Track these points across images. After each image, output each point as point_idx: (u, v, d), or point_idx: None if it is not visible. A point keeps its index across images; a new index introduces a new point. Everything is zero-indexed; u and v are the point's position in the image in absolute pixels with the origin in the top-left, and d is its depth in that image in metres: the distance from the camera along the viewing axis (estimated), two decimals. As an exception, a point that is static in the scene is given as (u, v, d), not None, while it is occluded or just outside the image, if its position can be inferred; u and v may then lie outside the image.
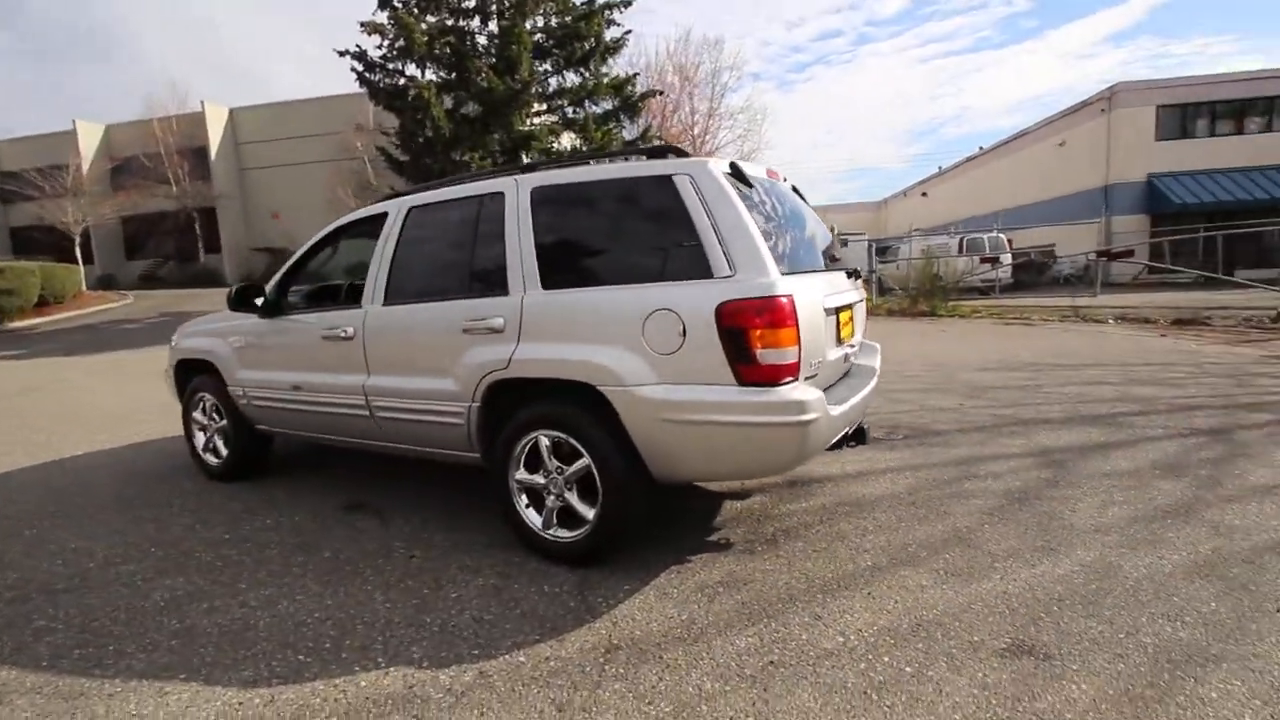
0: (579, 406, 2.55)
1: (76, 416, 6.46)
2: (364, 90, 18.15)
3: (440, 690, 1.94)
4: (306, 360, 3.41)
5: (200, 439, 4.17)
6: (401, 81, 17.68)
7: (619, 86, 18.50)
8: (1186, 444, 3.99)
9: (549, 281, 2.62)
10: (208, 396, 4.01)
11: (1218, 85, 21.09)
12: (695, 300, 2.29)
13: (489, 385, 2.70)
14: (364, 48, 17.41)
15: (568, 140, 18.63)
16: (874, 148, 67.40)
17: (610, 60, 18.85)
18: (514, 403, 2.72)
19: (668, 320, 2.32)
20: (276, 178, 32.13)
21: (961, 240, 18.93)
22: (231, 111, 32.41)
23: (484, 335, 2.72)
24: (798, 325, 2.24)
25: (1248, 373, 6.15)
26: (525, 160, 18.02)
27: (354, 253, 3.64)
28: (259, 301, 3.55)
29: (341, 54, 17.35)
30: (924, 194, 38.17)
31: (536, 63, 17.75)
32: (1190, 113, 21.22)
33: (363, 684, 1.98)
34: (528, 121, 18.26)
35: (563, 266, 2.63)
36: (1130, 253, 17.44)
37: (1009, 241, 19.46)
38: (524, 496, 2.78)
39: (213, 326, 4.01)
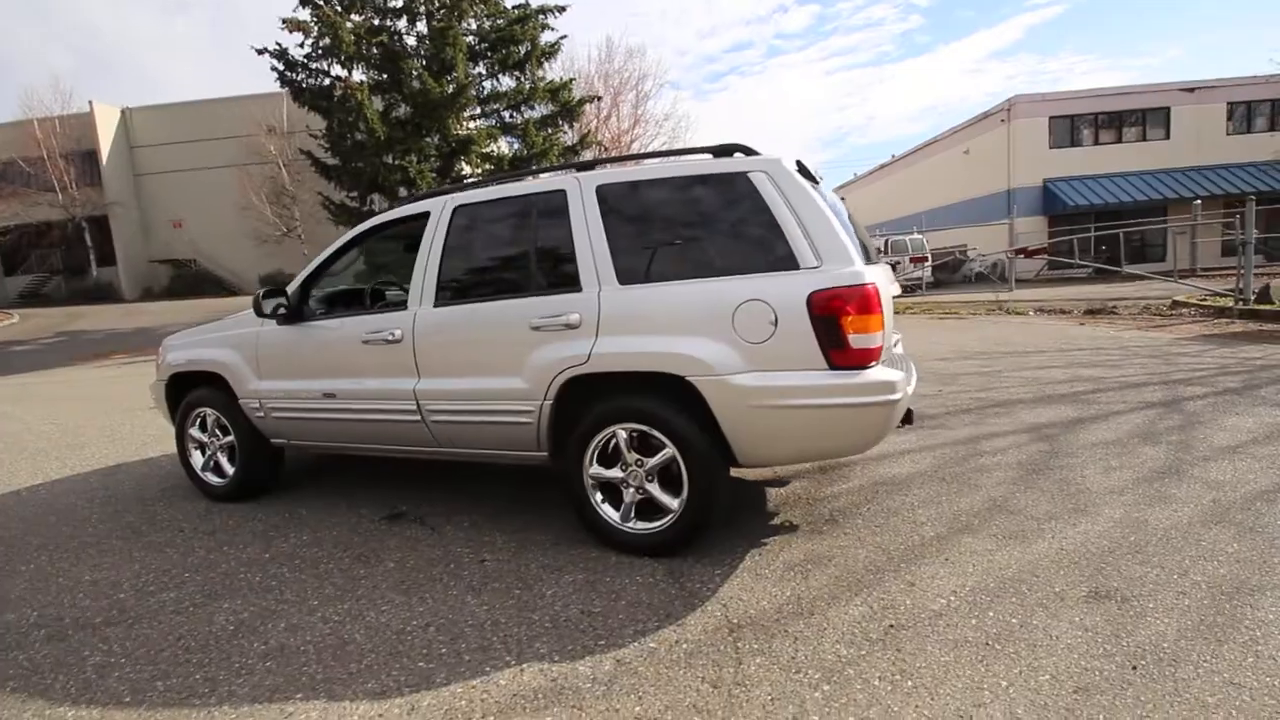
0: (662, 398, 2.60)
1: (12, 447, 5.81)
2: (284, 90, 17.23)
3: (586, 680, 1.95)
4: (341, 366, 3.27)
5: (198, 458, 3.89)
6: (326, 81, 16.93)
7: (556, 91, 18.46)
8: (1148, 415, 4.48)
9: (625, 277, 2.66)
10: (210, 411, 3.75)
11: (1097, 99, 23.47)
12: (787, 290, 2.40)
13: (565, 382, 2.71)
14: (284, 45, 16.55)
15: (506, 145, 18.41)
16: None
17: (545, 65, 18.80)
18: (588, 399, 2.73)
19: (759, 310, 2.42)
20: (177, 183, 29.81)
21: (886, 241, 20.09)
22: (124, 112, 29.86)
23: (557, 332, 2.72)
24: (882, 311, 2.40)
25: (1168, 353, 6.93)
26: (465, 164, 17.65)
27: (382, 254, 3.51)
28: (282, 308, 3.36)
29: (260, 52, 16.43)
30: (842, 199, 40.07)
31: (470, 65, 17.43)
32: (1076, 123, 23.52)
33: (502, 683, 1.96)
34: (464, 125, 17.91)
35: (638, 262, 2.68)
36: (1046, 250, 19.06)
37: (927, 242, 20.85)
38: (598, 492, 2.79)
39: (217, 335, 3.76)
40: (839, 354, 2.36)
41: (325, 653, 2.18)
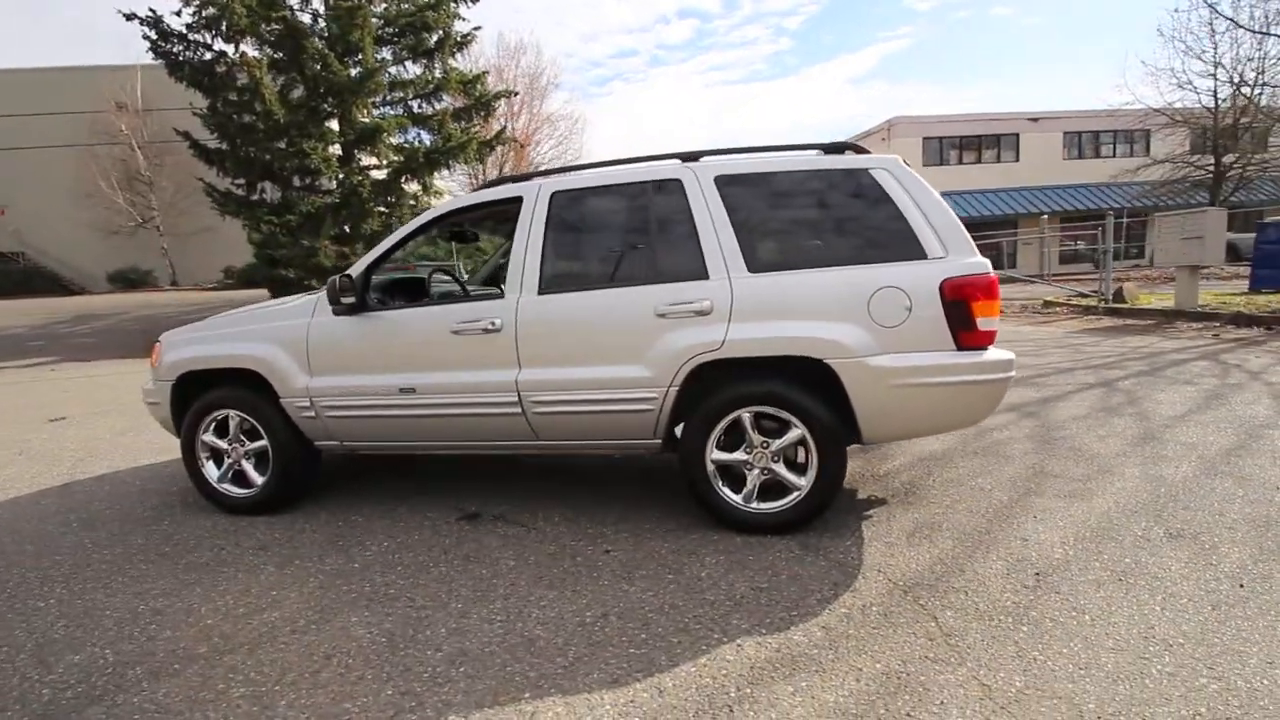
0: (788, 380, 2.72)
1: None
2: (159, 62, 15.33)
3: (809, 646, 2.03)
4: (423, 359, 3.06)
5: (212, 469, 3.45)
6: (209, 56, 15.24)
7: (468, 83, 17.87)
8: (1097, 394, 5.22)
9: (754, 265, 2.75)
10: (233, 414, 3.35)
11: (964, 123, 26.49)
12: (921, 278, 2.61)
13: (694, 368, 2.75)
14: (158, 12, 14.71)
15: (414, 137, 17.52)
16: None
17: (457, 56, 18.14)
18: (712, 385, 2.79)
19: (893, 296, 2.61)
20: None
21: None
22: (-80, 75, 25.02)
23: (686, 319, 2.75)
24: (1000, 297, 2.68)
25: (1071, 344, 8.04)
26: (372, 155, 16.59)
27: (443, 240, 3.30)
28: (348, 297, 3.07)
29: (129, 17, 14.50)
30: (734, 204, 41.93)
31: (378, 49, 16.46)
32: (945, 144, 26.39)
33: (730, 658, 1.99)
34: (369, 113, 16.86)
35: (765, 251, 2.78)
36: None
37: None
38: (717, 475, 2.86)
39: (248, 328, 3.35)
40: (967, 336, 2.61)
41: (518, 650, 2.09)
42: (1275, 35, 13.31)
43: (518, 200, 3.08)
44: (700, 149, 3.04)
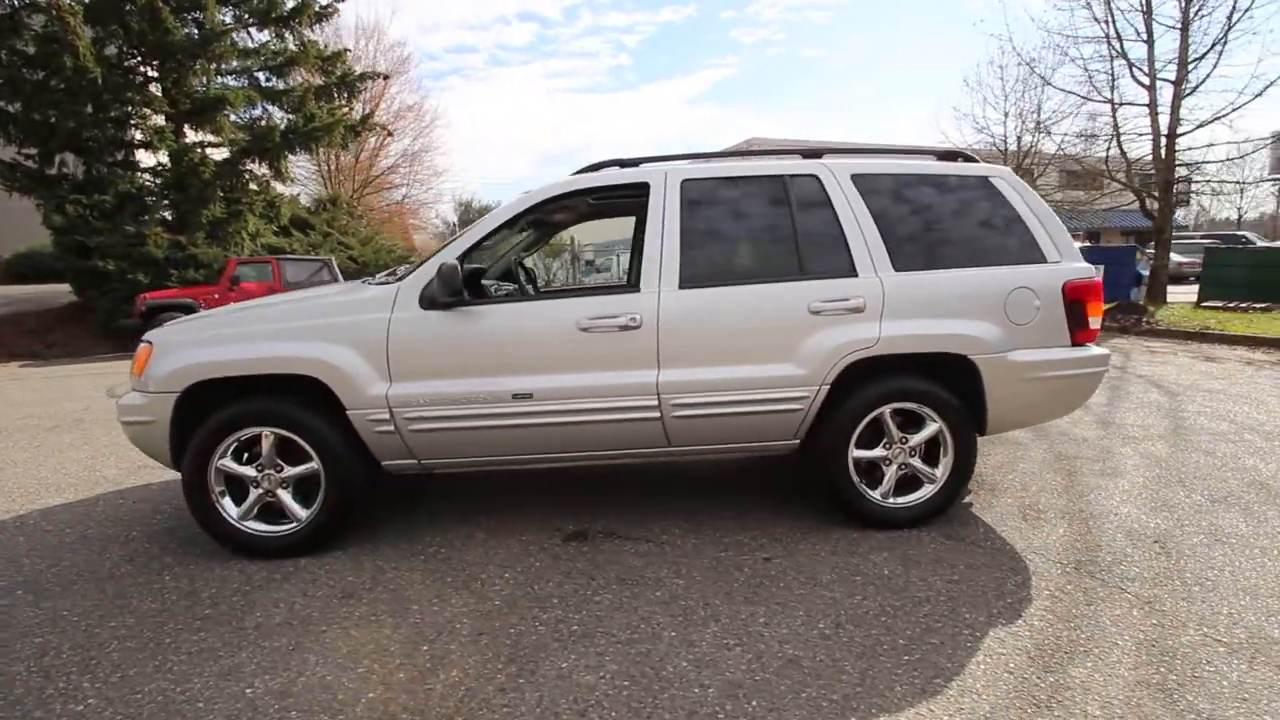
0: (932, 376, 2.82)
1: None
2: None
3: (1056, 631, 2.10)
4: (543, 360, 2.68)
5: (230, 505, 2.73)
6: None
7: (327, 59, 16.16)
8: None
9: (899, 264, 2.80)
10: (270, 432, 2.68)
11: (813, 146, 29.16)
12: (1047, 279, 2.82)
13: (847, 365, 2.72)
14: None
15: (276, 114, 15.44)
16: (510, 166, 72.08)
17: (315, 29, 16.30)
18: (857, 382, 2.79)
19: (1025, 296, 2.80)
20: None
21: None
22: None
23: (839, 316, 2.72)
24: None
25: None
26: (209, 130, 14.30)
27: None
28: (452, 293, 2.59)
29: None
30: (593, 210, 42.30)
31: (220, 8, 14.29)
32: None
33: (1001, 650, 2.00)
34: (210, 81, 14.57)
35: (907, 250, 2.83)
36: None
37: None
38: (856, 472, 2.87)
39: (308, 324, 2.68)
40: (1081, 333, 2.88)
41: (792, 674, 1.91)
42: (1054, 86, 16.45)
43: (643, 187, 2.84)
44: (816, 148, 3.02)
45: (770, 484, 3.54)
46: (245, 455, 2.77)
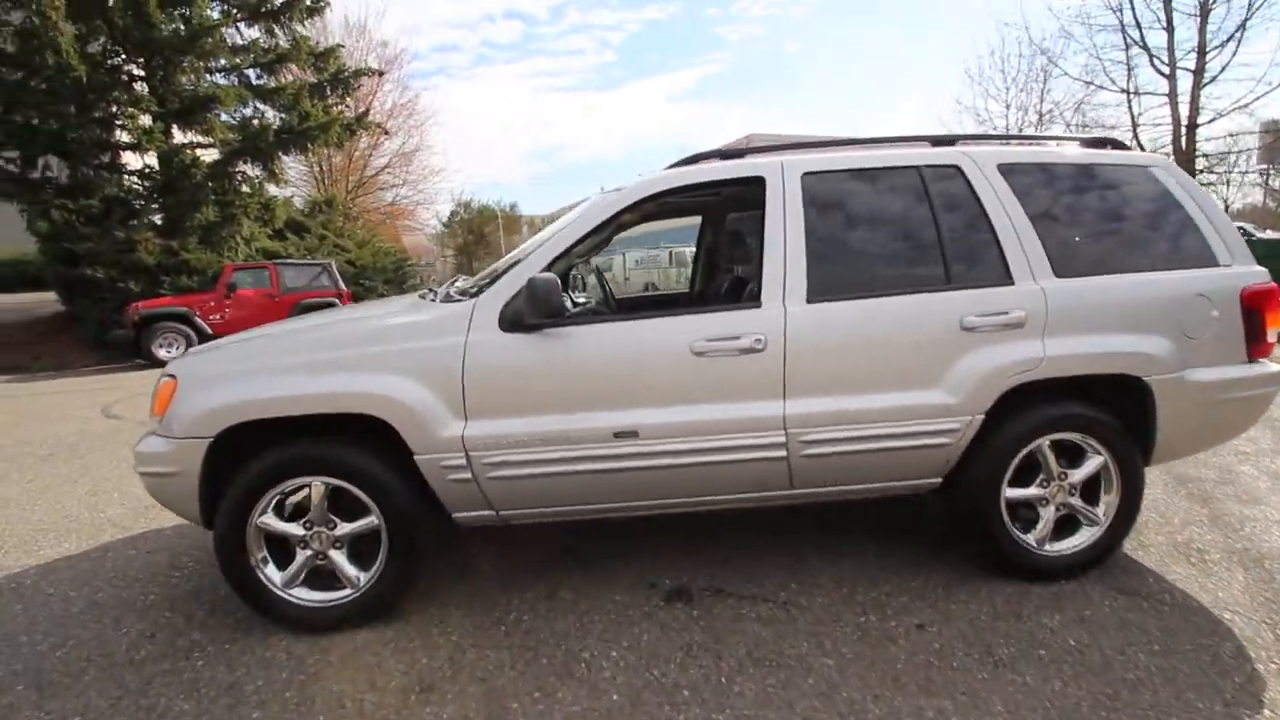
0: (1090, 400, 2.41)
1: None
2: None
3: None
4: (647, 390, 2.24)
5: (274, 571, 2.28)
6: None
7: (320, 56, 15.62)
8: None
9: (1060, 269, 2.38)
10: (320, 482, 2.24)
11: (804, 146, 28.80)
12: (1225, 285, 2.42)
13: (1006, 390, 2.31)
14: None
15: (268, 113, 14.88)
16: (497, 164, 71.56)
17: (307, 24, 15.76)
18: (1013, 409, 2.37)
19: (1202, 306, 2.40)
20: None
21: (670, 253, 21.63)
22: None
23: (996, 333, 2.30)
24: (1279, 308, 2.58)
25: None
26: (198, 131, 13.73)
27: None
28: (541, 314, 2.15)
29: None
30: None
31: (209, 3, 13.71)
32: (794, 160, 28.54)
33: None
34: (199, 80, 14.00)
35: (1065, 252, 2.42)
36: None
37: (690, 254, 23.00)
38: (1007, 515, 2.45)
39: (362, 352, 2.22)
40: (1257, 347, 2.48)
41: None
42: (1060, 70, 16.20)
43: (758, 181, 2.41)
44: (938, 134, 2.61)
45: (872, 520, 3.12)
46: (281, 510, 2.32)
